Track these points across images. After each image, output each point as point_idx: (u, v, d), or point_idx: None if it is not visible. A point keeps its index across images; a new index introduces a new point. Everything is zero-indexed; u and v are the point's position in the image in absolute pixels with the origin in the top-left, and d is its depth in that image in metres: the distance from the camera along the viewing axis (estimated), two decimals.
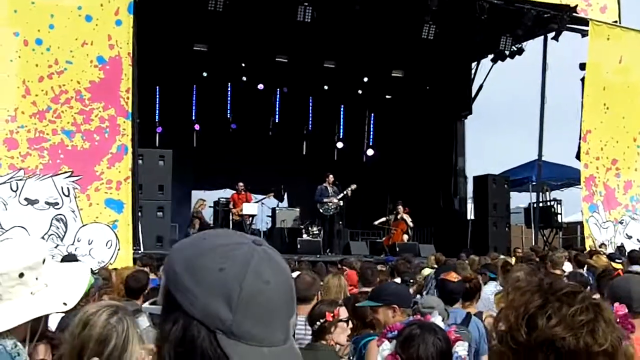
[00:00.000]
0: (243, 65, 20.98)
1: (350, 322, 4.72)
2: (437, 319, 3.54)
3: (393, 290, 4.99)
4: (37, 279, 2.13)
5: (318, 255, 16.59)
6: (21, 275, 2.09)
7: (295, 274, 6.69)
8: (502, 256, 13.41)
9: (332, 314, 4.49)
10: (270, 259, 1.33)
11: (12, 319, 2.06)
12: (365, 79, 22.44)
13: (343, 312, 4.60)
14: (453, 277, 5.89)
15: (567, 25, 18.09)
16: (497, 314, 1.77)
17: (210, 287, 1.27)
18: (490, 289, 8.08)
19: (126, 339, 2.29)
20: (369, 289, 7.21)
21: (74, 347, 2.15)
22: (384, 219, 20.26)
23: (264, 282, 1.29)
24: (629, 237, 18.47)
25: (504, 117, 47.86)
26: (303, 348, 4.31)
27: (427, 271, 9.88)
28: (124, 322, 2.33)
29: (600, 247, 16.44)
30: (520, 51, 19.48)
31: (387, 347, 3.23)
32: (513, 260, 11.50)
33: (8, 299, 2.08)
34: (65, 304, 2.15)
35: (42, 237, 12.69)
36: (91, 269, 10.39)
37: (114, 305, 2.34)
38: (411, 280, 8.79)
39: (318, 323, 4.47)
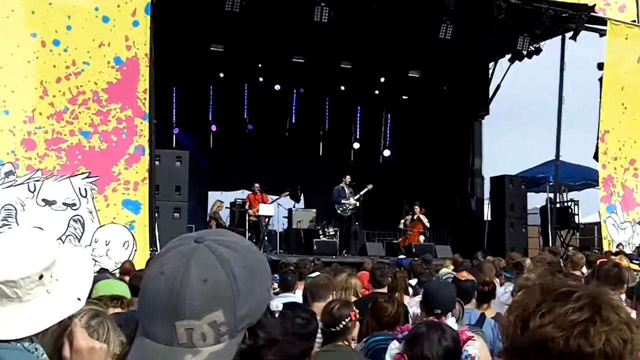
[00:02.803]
0: (260, 65, 20.99)
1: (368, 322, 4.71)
2: (450, 321, 3.54)
3: (433, 294, 4.88)
4: (51, 276, 2.16)
5: (334, 256, 16.58)
6: (41, 277, 2.12)
7: (314, 274, 6.74)
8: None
9: (354, 313, 4.49)
10: (189, 255, 1.23)
11: (35, 324, 2.09)
12: (382, 80, 22.39)
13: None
14: (463, 276, 5.95)
15: (585, 25, 17.97)
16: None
17: None
18: (502, 290, 8.04)
19: (107, 342, 2.30)
20: (380, 290, 7.21)
21: (55, 349, 2.17)
22: (403, 220, 20.15)
23: (160, 272, 1.23)
24: None
25: (521, 117, 47.56)
26: (325, 350, 4.31)
27: (443, 271, 9.86)
28: (105, 325, 2.35)
29: (617, 247, 16.32)
30: (537, 51, 19.37)
31: (395, 346, 3.23)
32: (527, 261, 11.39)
33: (28, 301, 2.10)
34: (79, 299, 2.18)
35: (60, 238, 12.75)
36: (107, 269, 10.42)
37: (95, 309, 2.37)
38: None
39: (342, 323, 4.45)
